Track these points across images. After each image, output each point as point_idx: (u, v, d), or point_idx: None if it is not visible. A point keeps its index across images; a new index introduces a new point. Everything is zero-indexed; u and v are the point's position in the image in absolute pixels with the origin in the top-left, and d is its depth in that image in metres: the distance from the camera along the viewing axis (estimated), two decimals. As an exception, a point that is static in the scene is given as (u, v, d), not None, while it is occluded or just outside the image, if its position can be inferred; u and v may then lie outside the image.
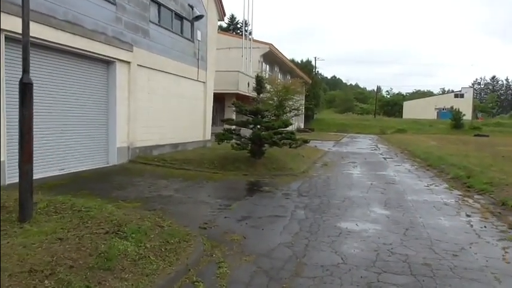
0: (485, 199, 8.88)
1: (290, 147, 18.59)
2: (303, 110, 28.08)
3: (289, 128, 16.46)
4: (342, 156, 18.98)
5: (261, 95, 14.28)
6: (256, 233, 5.80)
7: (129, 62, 11.98)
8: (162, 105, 14.10)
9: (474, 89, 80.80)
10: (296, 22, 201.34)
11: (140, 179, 9.71)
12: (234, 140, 12.31)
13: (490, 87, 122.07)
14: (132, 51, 12.01)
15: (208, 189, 9.08)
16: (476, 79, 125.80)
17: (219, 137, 11.63)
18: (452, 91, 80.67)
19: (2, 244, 3.84)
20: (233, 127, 12.99)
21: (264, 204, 7.77)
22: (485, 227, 6.52)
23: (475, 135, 43.66)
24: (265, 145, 12.63)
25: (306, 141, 14.93)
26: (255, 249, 5.09)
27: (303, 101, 20.76)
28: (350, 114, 69.64)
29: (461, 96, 67.77)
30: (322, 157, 17.86)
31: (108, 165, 11.36)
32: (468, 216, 7.26)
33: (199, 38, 16.48)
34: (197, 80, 16.74)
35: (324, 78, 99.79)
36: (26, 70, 4.86)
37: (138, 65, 12.47)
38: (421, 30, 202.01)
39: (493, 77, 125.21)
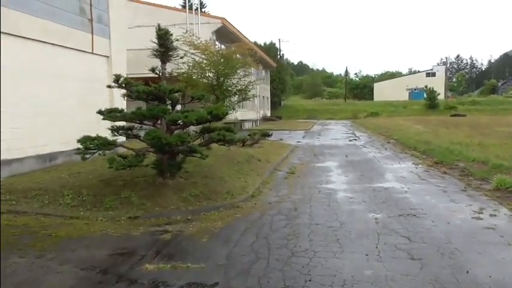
0: None
1: (243, 145, 13.60)
2: (266, 93, 22.72)
3: (233, 117, 11.22)
4: (315, 153, 13.90)
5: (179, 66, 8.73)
6: None
7: None
8: (15, 90, 8.32)
9: (446, 67, 77.72)
10: (257, 8, 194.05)
11: None
12: (125, 148, 6.81)
13: (455, 66, 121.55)
14: None
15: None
16: (441, 59, 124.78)
17: (85, 146, 5.97)
18: (419, 71, 77.49)
19: None
20: (132, 124, 7.36)
21: None
22: None
23: (451, 116, 40.41)
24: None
25: (266, 135, 9.96)
26: None
27: (257, 80, 15.37)
28: (319, 99, 65.16)
29: (433, 75, 64.35)
30: (287, 157, 12.64)
31: None
32: None
33: (92, -13, 10.67)
34: (93, 53, 10.94)
35: (291, 64, 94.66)
36: None
37: None
38: (382, 10, 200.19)
39: (457, 56, 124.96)
